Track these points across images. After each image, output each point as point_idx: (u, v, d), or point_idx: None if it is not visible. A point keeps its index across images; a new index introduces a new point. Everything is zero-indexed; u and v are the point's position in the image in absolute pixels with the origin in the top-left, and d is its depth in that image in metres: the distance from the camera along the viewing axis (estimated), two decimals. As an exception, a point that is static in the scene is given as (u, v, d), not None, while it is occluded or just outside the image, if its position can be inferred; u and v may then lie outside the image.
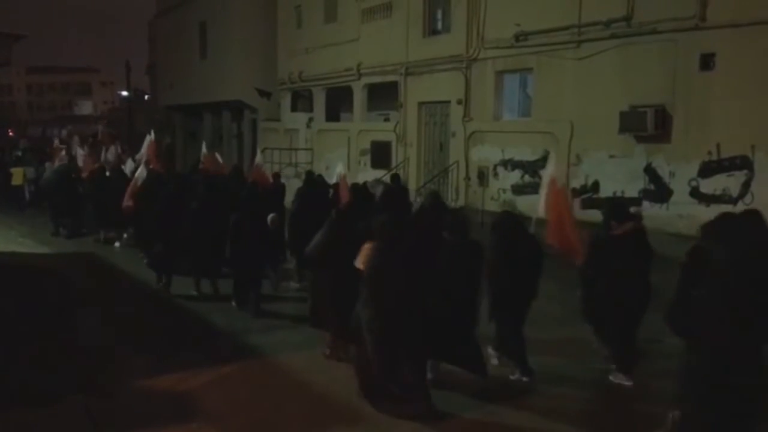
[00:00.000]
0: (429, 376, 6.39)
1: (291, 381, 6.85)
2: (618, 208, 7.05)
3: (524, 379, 6.65)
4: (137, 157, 16.09)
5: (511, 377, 6.72)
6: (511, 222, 7.03)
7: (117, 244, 14.28)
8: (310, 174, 12.31)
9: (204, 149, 16.76)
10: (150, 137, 16.30)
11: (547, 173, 7.35)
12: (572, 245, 7.35)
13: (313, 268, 7.63)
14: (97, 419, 5.91)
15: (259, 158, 14.32)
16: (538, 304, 6.92)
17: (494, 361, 6.99)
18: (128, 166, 15.88)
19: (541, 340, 7.39)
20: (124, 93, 46.02)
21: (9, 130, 57.13)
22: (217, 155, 16.46)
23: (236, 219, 9.20)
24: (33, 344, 7.89)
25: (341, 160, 13.93)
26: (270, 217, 9.58)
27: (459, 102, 16.90)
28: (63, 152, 19.62)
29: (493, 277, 6.65)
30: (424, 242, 6.54)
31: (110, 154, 19.87)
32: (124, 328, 8.66)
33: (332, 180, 12.22)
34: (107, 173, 15.23)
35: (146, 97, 51.99)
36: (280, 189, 12.73)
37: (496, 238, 6.83)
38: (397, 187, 11.72)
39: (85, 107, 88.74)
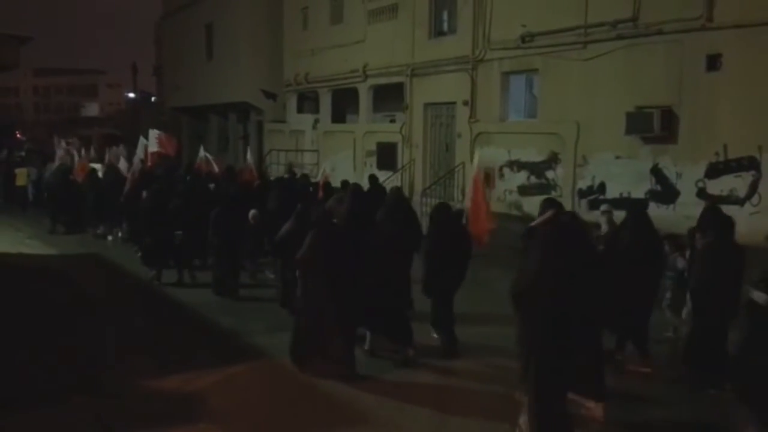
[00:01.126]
0: (366, 347, 7.49)
1: (296, 382, 6.86)
2: (545, 201, 7.33)
3: (448, 347, 7.53)
4: (134, 159, 16.42)
5: (435, 344, 7.70)
6: (443, 212, 7.81)
7: (110, 237, 15.21)
8: (290, 171, 13.82)
9: (201, 152, 17.12)
10: (153, 136, 16.72)
11: (473, 167, 7.70)
12: (480, 232, 8.15)
13: (278, 255, 8.89)
14: (104, 420, 5.92)
15: (249, 159, 14.76)
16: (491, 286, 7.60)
17: (433, 335, 7.86)
18: (122, 165, 16.70)
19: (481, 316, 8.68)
20: (131, 95, 46.20)
21: (16, 132, 57.37)
22: (209, 157, 16.81)
23: (216, 213, 10.16)
24: (40, 345, 7.91)
25: (329, 162, 14.32)
26: (251, 213, 10.52)
27: (465, 103, 16.88)
28: (64, 153, 20.09)
29: (426, 261, 7.61)
30: (357, 232, 7.50)
31: (112, 154, 20.18)
32: (131, 329, 8.70)
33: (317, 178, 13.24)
34: (99, 174, 16.26)
35: (153, 98, 52.11)
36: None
37: (430, 226, 7.80)
38: (373, 185, 12.91)
39: (92, 109, 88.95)
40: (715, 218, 6.94)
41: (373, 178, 13.77)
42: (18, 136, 53.90)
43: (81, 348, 7.85)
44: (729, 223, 6.77)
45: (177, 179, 13.95)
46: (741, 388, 5.33)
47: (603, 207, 10.12)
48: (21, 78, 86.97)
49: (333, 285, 6.83)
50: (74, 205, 16.22)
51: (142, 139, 17.07)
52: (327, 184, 12.78)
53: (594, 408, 5.80)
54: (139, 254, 12.02)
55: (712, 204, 7.29)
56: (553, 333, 4.73)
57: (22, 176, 20.87)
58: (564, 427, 4.90)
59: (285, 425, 5.92)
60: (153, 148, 16.32)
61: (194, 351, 7.79)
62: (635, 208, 8.07)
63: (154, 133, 16.75)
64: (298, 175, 14.52)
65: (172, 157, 17.31)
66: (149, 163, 15.62)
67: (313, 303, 6.98)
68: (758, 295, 5.18)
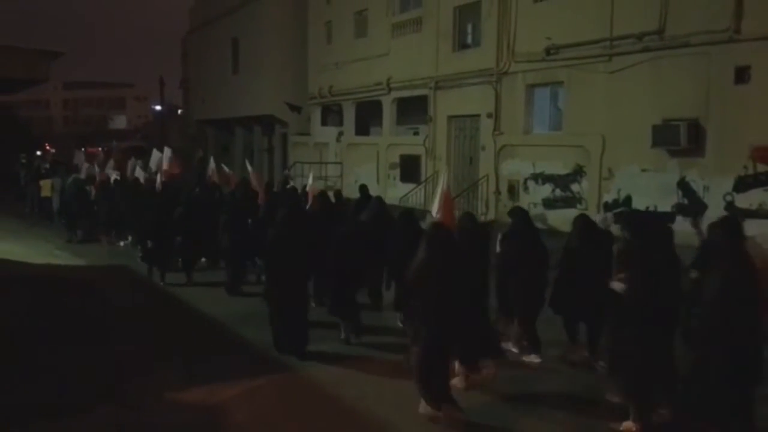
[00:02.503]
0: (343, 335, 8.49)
1: (319, 395, 6.85)
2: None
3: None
4: (150, 166, 17.83)
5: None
6: (407, 219, 8.96)
7: (122, 243, 16.25)
8: (285, 182, 15.23)
9: (211, 163, 17.66)
10: (168, 152, 17.52)
11: (442, 182, 8.26)
12: None
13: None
14: (126, 431, 5.95)
15: (250, 170, 15.14)
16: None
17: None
18: (138, 174, 17.62)
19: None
20: (158, 107, 46.80)
21: (46, 144, 58.32)
22: (226, 170, 17.61)
23: (223, 219, 11.52)
24: (64, 355, 7.99)
25: (312, 173, 14.47)
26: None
27: (489, 116, 16.86)
28: (89, 165, 20.76)
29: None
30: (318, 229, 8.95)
31: (129, 167, 20.84)
32: (155, 340, 8.75)
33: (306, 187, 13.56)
34: (111, 183, 17.37)
35: (179, 111, 52.74)
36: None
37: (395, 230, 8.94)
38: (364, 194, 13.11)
39: (120, 122, 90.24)
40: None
41: (362, 188, 13.44)
42: (47, 148, 54.78)
43: (105, 358, 7.91)
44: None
45: (181, 190, 15.06)
46: (609, 362, 6.15)
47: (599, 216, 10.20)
48: (51, 91, 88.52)
49: (292, 274, 7.75)
50: (87, 215, 17.17)
51: (155, 152, 17.88)
52: (323, 195, 12.60)
53: (488, 366, 6.89)
54: (140, 255, 13.49)
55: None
56: (437, 310, 5.88)
57: (46, 187, 21.25)
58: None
59: (307, 439, 5.90)
60: (165, 165, 17.01)
61: (218, 363, 7.80)
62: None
63: (168, 152, 17.48)
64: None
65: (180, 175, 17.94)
66: (164, 178, 16.17)
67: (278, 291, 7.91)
68: (616, 285, 5.98)
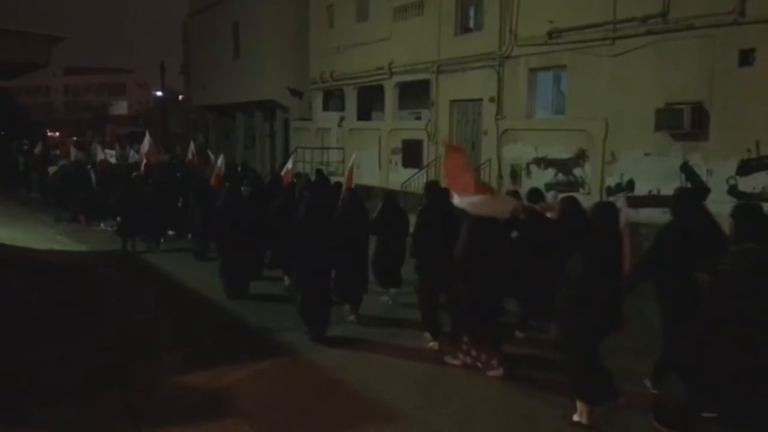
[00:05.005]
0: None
1: (324, 378, 6.89)
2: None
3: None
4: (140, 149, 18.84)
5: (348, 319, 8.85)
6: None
7: (102, 225, 17.07)
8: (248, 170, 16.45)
9: (192, 147, 19.27)
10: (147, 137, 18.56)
11: (349, 164, 9.99)
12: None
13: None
14: (133, 416, 5.99)
15: (220, 161, 14.99)
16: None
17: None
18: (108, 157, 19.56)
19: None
20: (159, 93, 46.66)
21: (47, 130, 58.26)
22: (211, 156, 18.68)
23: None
24: (70, 341, 8.03)
25: (291, 159, 15.25)
26: None
27: (491, 100, 16.80)
28: (75, 151, 22.06)
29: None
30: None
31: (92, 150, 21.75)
32: (159, 326, 8.79)
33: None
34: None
35: (180, 97, 52.59)
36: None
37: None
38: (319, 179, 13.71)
39: (120, 107, 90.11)
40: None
41: (318, 172, 14.57)
42: (49, 134, 54.76)
43: (110, 343, 7.96)
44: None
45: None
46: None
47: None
48: (52, 77, 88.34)
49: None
50: (70, 199, 18.65)
51: (146, 137, 18.60)
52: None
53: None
54: (115, 228, 15.28)
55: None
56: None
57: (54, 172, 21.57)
58: None
59: (314, 422, 5.93)
60: (144, 150, 18.07)
61: (223, 347, 7.85)
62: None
63: (146, 138, 18.42)
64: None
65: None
66: (145, 161, 17.25)
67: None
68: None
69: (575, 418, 5.69)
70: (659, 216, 9.64)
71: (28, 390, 6.40)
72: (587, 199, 13.93)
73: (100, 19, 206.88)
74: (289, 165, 13.86)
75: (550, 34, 14.88)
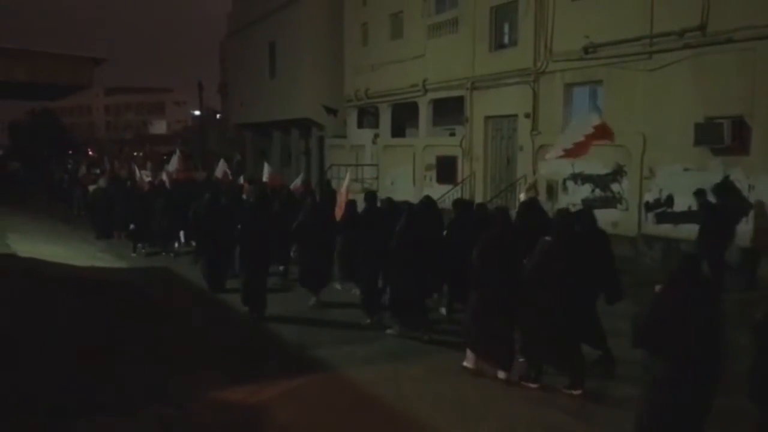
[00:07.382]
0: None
1: (359, 395, 6.88)
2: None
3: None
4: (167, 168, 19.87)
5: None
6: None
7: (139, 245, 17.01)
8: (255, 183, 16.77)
9: (222, 165, 20.14)
10: (176, 155, 20.04)
11: (344, 185, 11.13)
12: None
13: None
14: (170, 430, 6.05)
15: (222, 165, 17.15)
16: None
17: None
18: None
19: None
20: (197, 112, 47.47)
21: (88, 149, 59.62)
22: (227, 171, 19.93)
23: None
24: (109, 355, 8.15)
25: (349, 174, 14.67)
26: None
27: (527, 116, 16.73)
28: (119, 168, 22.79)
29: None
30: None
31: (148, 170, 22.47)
32: (197, 342, 8.87)
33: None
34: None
35: (218, 115, 53.43)
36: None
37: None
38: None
39: (159, 126, 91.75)
40: None
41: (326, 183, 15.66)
42: (90, 153, 55.98)
43: (148, 358, 8.05)
44: None
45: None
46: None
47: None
48: (93, 97, 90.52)
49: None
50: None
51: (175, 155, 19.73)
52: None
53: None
54: (125, 233, 16.69)
55: None
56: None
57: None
58: None
59: (348, 439, 5.93)
60: (172, 167, 19.21)
61: (260, 362, 7.89)
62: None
63: (176, 155, 19.75)
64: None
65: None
66: (174, 177, 18.14)
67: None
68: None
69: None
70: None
71: (69, 403, 6.51)
72: (625, 216, 13.87)
73: (140, 40, 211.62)
74: (347, 182, 13.06)
75: (585, 50, 14.79)
